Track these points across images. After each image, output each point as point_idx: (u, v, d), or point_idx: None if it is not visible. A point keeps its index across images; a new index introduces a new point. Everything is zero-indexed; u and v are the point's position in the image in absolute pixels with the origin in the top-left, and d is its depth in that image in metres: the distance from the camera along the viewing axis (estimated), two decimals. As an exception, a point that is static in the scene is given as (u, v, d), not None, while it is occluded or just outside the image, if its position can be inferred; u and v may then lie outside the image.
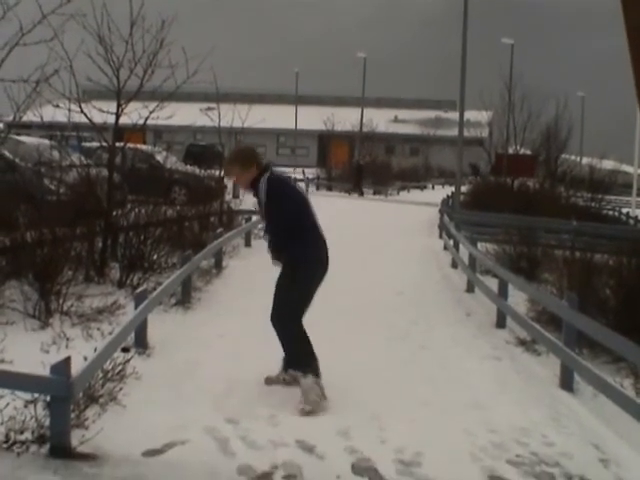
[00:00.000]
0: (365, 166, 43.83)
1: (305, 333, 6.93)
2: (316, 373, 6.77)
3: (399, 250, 18.75)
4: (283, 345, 7.03)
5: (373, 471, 5.47)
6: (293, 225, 6.94)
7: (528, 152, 41.03)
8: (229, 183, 20.31)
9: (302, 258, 6.94)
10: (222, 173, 19.24)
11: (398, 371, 8.10)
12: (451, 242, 17.73)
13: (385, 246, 19.35)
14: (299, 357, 6.91)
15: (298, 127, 65.26)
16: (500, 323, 10.79)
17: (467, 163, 45.93)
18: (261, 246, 16.79)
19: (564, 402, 7.51)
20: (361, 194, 40.77)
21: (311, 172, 46.90)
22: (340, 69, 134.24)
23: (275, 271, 7.10)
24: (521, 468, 5.71)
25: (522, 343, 9.78)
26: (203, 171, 21.86)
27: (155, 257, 11.93)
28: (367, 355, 8.64)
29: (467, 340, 9.89)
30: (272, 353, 7.29)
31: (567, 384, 7.91)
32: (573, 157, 43.23)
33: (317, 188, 43.44)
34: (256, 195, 7.04)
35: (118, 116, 12.06)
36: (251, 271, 13.34)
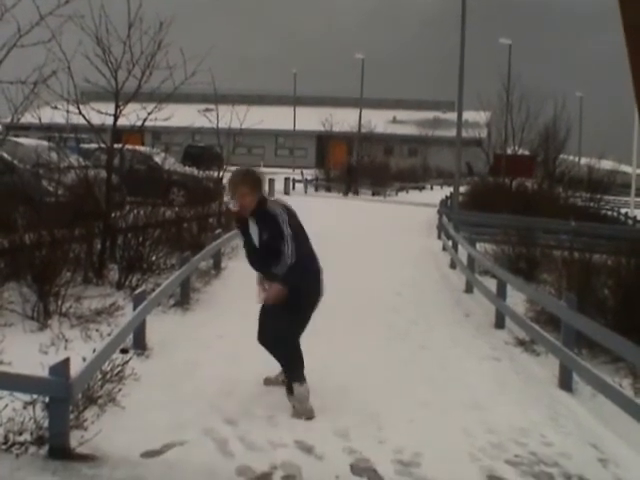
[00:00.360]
0: (358, 167, 44.03)
1: (298, 344, 6.87)
2: (305, 381, 6.73)
3: (398, 251, 18.75)
4: (277, 358, 6.91)
5: (372, 471, 5.47)
6: (302, 253, 6.68)
7: (526, 152, 41.04)
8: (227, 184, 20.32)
9: (305, 286, 6.75)
10: (220, 175, 19.24)
11: (397, 371, 8.11)
12: (450, 243, 17.73)
13: (384, 247, 19.34)
14: (294, 366, 6.76)
15: (297, 128, 65.31)
16: (499, 323, 10.80)
17: (465, 163, 45.98)
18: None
19: (563, 402, 7.52)
20: (356, 193, 40.99)
21: (310, 173, 46.96)
22: (339, 70, 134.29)
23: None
24: (520, 468, 5.72)
25: (521, 343, 9.79)
26: (201, 172, 21.84)
27: (154, 258, 11.93)
28: (366, 355, 8.65)
29: (466, 340, 9.89)
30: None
31: (566, 384, 7.91)
32: (571, 157, 43.20)
33: (316, 189, 43.53)
34: (259, 223, 6.69)
35: (116, 117, 12.06)
36: (250, 272, 13.30)
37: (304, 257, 6.71)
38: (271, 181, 35.70)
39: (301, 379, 6.64)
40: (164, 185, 19.16)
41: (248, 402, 6.75)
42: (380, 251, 18.38)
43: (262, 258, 6.81)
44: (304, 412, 6.51)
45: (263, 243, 6.71)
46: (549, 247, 16.06)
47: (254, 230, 6.76)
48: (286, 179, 39.15)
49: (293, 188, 39.90)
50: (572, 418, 7.01)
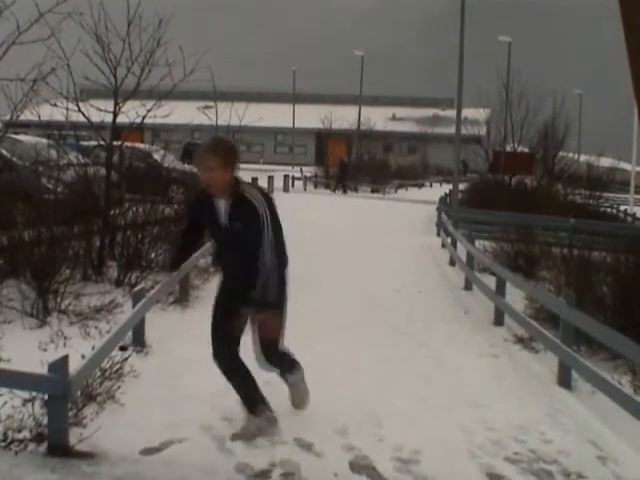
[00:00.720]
0: (351, 163, 44.38)
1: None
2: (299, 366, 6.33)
3: (396, 248, 18.75)
4: (282, 370, 6.29)
5: (371, 469, 5.48)
6: (282, 250, 5.82)
7: (526, 150, 41.00)
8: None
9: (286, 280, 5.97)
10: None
11: (396, 369, 8.10)
12: (449, 240, 17.73)
13: (382, 244, 19.34)
14: (288, 362, 6.29)
15: (296, 125, 65.28)
16: (498, 321, 10.80)
17: (461, 161, 45.92)
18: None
19: (562, 399, 7.52)
20: (355, 190, 41.30)
21: (309, 170, 47.00)
22: (338, 67, 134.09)
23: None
24: (519, 465, 5.72)
25: (520, 341, 9.79)
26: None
27: (153, 256, 11.92)
28: (365, 353, 8.64)
29: (465, 338, 9.89)
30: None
31: (565, 381, 7.92)
32: (571, 155, 43.17)
33: (315, 186, 43.57)
34: (233, 209, 5.63)
35: (115, 115, 12.05)
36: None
37: (283, 254, 5.87)
38: (270, 178, 35.75)
39: (293, 368, 6.29)
40: (163, 182, 19.11)
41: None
42: (379, 248, 18.38)
43: (233, 243, 5.75)
44: (304, 395, 6.35)
45: (234, 231, 5.69)
46: (548, 244, 16.05)
47: (222, 209, 5.70)
48: (285, 176, 39.16)
49: (292, 185, 39.94)
50: (571, 415, 7.01)
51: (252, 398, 6.03)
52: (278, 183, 36.78)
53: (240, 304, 5.95)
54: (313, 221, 22.47)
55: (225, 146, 5.68)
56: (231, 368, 6.11)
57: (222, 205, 5.66)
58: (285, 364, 6.24)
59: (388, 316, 10.79)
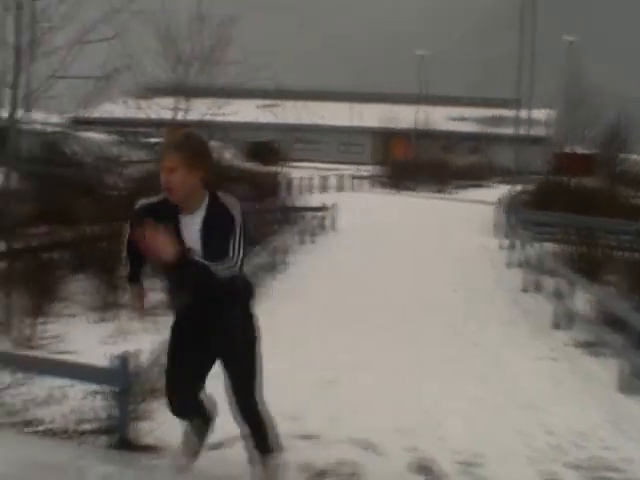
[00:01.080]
0: (404, 163, 44.74)
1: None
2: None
3: (454, 248, 18.62)
4: (259, 432, 4.98)
5: (432, 470, 5.44)
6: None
7: (590, 151, 40.34)
8: (283, 179, 20.28)
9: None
10: (278, 170, 19.31)
11: (452, 369, 8.06)
12: (508, 241, 17.55)
13: (441, 243, 19.24)
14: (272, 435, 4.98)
15: (356, 124, 65.09)
16: (558, 324, 10.64)
17: (528, 162, 45.32)
18: (319, 248, 16.85)
19: (624, 406, 7.38)
20: (405, 190, 41.55)
21: (369, 170, 46.90)
22: (399, 66, 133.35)
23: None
24: (580, 472, 5.63)
25: (581, 345, 9.63)
26: (260, 167, 21.96)
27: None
28: (420, 352, 8.62)
29: (523, 340, 9.78)
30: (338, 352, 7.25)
31: (628, 387, 7.77)
32: (636, 156, 42.34)
33: (376, 186, 43.39)
34: (212, 219, 4.28)
35: (180, 112, 12.20)
36: (312, 266, 13.39)
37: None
38: (340, 177, 35.86)
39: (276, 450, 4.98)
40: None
41: (309, 399, 6.74)
42: (437, 247, 18.30)
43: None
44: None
45: (207, 249, 4.26)
46: (611, 248, 15.77)
47: (191, 227, 4.34)
48: (345, 175, 39.22)
49: (352, 185, 39.94)
50: (634, 422, 6.87)
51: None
52: (341, 182, 37.00)
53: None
54: (373, 220, 22.54)
55: (193, 142, 4.32)
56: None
57: (189, 221, 4.34)
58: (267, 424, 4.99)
59: (444, 315, 10.73)
